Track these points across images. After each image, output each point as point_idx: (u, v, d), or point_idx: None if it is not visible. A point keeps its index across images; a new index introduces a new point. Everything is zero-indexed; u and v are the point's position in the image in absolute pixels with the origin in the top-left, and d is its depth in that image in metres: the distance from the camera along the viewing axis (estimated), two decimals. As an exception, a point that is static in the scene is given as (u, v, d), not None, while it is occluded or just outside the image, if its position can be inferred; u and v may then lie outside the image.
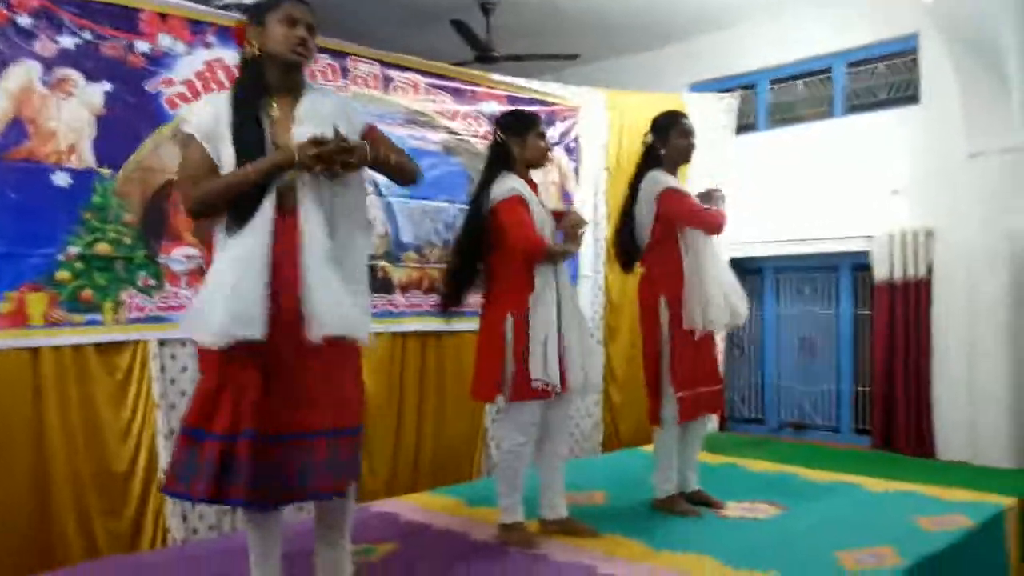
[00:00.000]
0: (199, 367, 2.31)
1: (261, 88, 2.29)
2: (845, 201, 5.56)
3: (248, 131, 2.22)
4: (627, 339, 5.26)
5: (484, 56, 5.77)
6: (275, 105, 2.29)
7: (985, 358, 4.87)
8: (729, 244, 5.92)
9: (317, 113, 2.31)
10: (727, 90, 6.11)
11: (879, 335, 5.34)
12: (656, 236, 3.53)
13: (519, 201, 3.09)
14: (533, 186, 3.26)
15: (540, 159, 3.28)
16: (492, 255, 3.14)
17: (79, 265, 3.26)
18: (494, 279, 3.17)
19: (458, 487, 3.38)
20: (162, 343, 3.48)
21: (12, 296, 3.11)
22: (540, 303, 3.09)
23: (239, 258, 2.14)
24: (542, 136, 3.27)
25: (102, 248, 3.31)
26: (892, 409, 5.26)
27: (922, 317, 5.19)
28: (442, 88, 4.53)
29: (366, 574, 2.77)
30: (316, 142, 2.16)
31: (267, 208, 2.16)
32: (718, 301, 3.50)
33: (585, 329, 3.30)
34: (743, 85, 6.21)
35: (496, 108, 4.73)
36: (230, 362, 2.11)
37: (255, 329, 2.08)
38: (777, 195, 5.87)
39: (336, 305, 2.17)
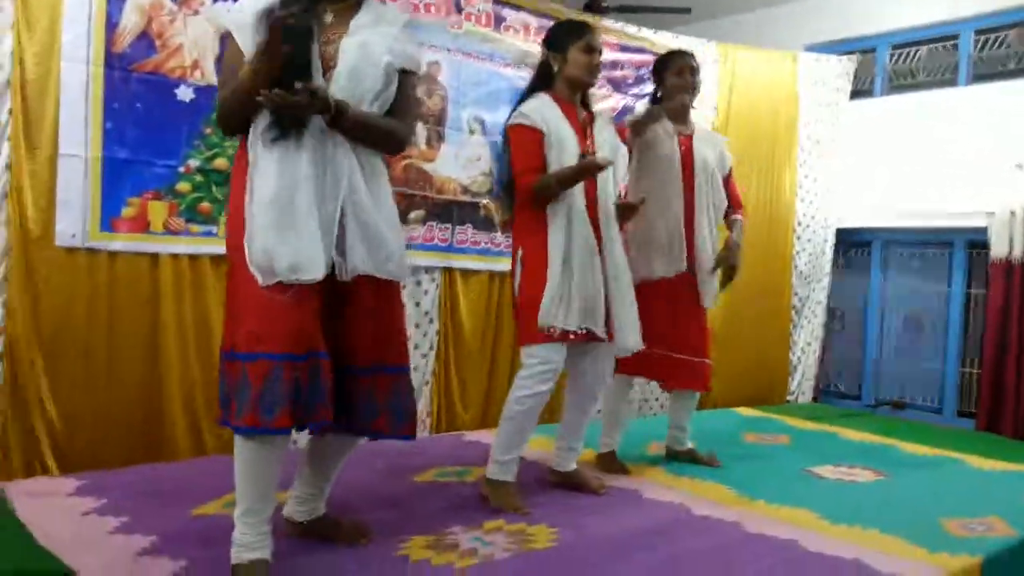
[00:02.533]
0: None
1: None
2: (964, 174, 5.26)
3: (294, 34, 1.92)
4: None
5: (593, 5, 5.67)
6: (329, 12, 2.10)
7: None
8: (837, 215, 5.75)
9: (374, 29, 2.12)
10: (845, 52, 5.86)
11: (992, 315, 5.08)
12: None
13: (522, 130, 2.73)
14: (571, 109, 2.81)
15: (583, 76, 2.79)
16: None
17: (198, 178, 3.36)
18: (515, 208, 2.85)
19: (549, 425, 3.38)
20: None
21: (135, 202, 3.22)
22: (558, 234, 2.69)
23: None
24: (589, 50, 2.78)
25: (220, 163, 3.40)
26: (1001, 392, 5.00)
27: (1041, 298, 4.91)
28: (554, 31, 4.48)
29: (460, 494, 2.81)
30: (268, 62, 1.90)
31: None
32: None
33: (626, 284, 2.88)
34: (862, 48, 5.95)
35: (607, 55, 4.64)
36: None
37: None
38: (891, 165, 5.60)
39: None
